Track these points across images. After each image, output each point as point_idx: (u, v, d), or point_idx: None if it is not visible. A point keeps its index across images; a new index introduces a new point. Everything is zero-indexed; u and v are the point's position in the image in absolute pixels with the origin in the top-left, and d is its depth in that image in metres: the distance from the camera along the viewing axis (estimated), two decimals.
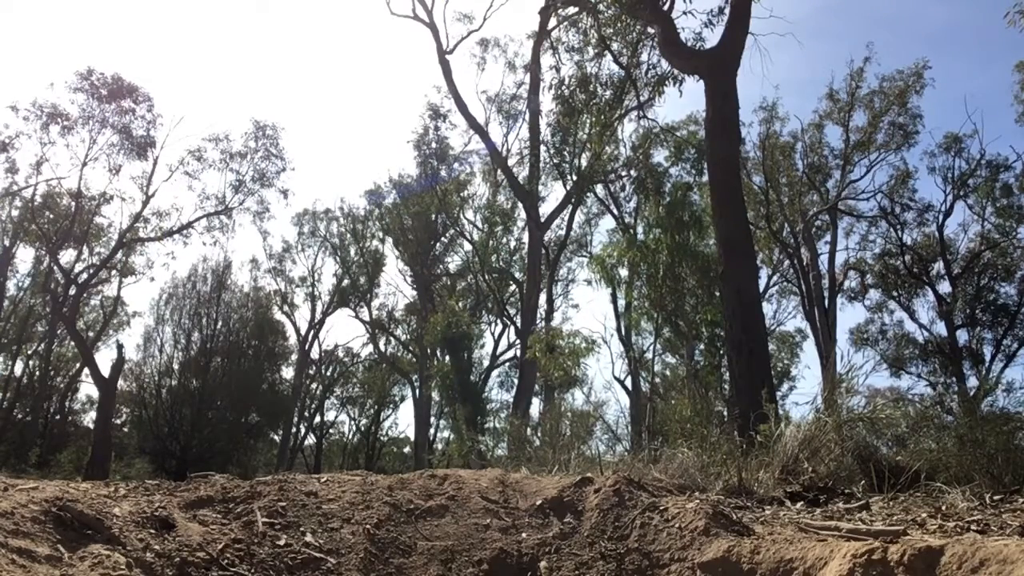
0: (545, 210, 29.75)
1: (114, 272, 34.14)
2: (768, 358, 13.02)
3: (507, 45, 31.81)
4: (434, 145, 33.00)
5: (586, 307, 75.19)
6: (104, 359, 41.98)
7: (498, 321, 36.29)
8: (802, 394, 45.11)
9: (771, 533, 2.79)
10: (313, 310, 41.41)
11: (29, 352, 39.19)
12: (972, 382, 27.66)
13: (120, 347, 29.30)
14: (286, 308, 40.47)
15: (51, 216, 32.02)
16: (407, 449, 46.24)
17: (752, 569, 2.47)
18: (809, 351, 36.56)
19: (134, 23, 62.23)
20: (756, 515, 3.83)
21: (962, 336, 30.65)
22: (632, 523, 2.94)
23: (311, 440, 45.74)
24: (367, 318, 40.01)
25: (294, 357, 40.03)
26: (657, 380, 30.28)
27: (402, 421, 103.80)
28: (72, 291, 30.64)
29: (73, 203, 30.01)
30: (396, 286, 55.74)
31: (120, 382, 29.66)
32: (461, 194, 35.21)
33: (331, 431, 47.86)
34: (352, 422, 46.94)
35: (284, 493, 3.08)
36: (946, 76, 55.97)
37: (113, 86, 28.05)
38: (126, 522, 2.44)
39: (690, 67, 15.51)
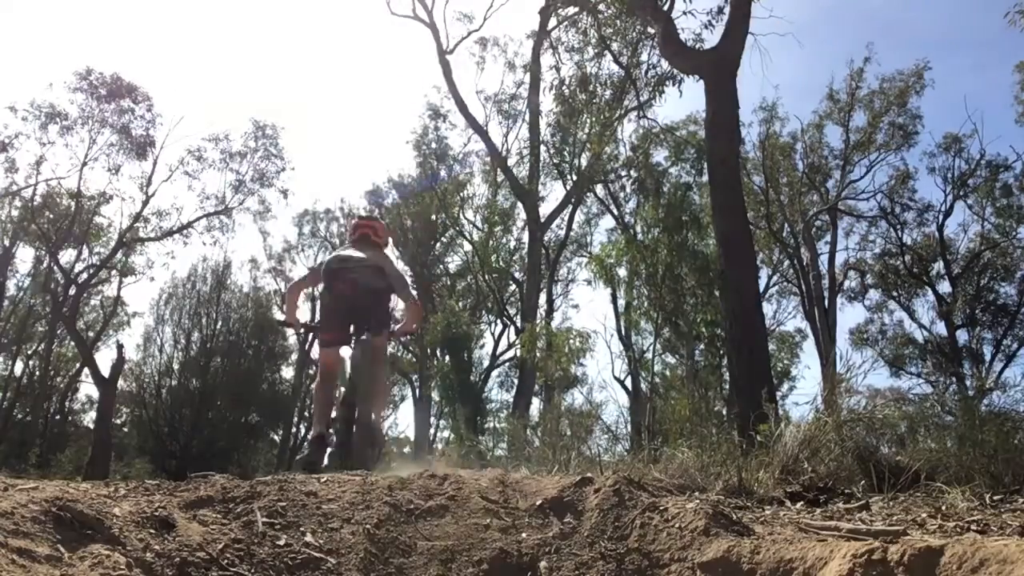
0: (545, 210, 29.76)
1: (114, 272, 34.12)
2: (768, 358, 13.00)
3: (507, 45, 31.71)
4: (434, 145, 33.00)
5: (586, 307, 74.84)
6: (104, 359, 41.80)
7: (498, 321, 36.27)
8: (802, 394, 44.91)
9: (771, 533, 2.79)
10: (313, 310, 41.36)
11: (29, 352, 39.20)
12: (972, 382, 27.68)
13: (120, 347, 29.27)
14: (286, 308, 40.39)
15: (51, 216, 31.96)
16: (407, 449, 46.21)
17: (752, 569, 2.47)
18: (809, 351, 36.44)
19: (134, 23, 62.18)
20: (756, 515, 3.83)
21: (962, 336, 30.68)
22: (632, 523, 2.94)
23: None
24: None
25: (294, 357, 40.03)
26: (657, 380, 30.24)
27: (402, 421, 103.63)
28: (72, 291, 30.65)
29: (73, 203, 30.02)
30: None
31: (120, 382, 29.65)
32: (461, 194, 35.17)
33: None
34: None
35: (284, 493, 3.08)
36: (946, 76, 55.85)
37: (112, 86, 28.04)
38: (126, 522, 2.44)
39: (690, 67, 15.48)
